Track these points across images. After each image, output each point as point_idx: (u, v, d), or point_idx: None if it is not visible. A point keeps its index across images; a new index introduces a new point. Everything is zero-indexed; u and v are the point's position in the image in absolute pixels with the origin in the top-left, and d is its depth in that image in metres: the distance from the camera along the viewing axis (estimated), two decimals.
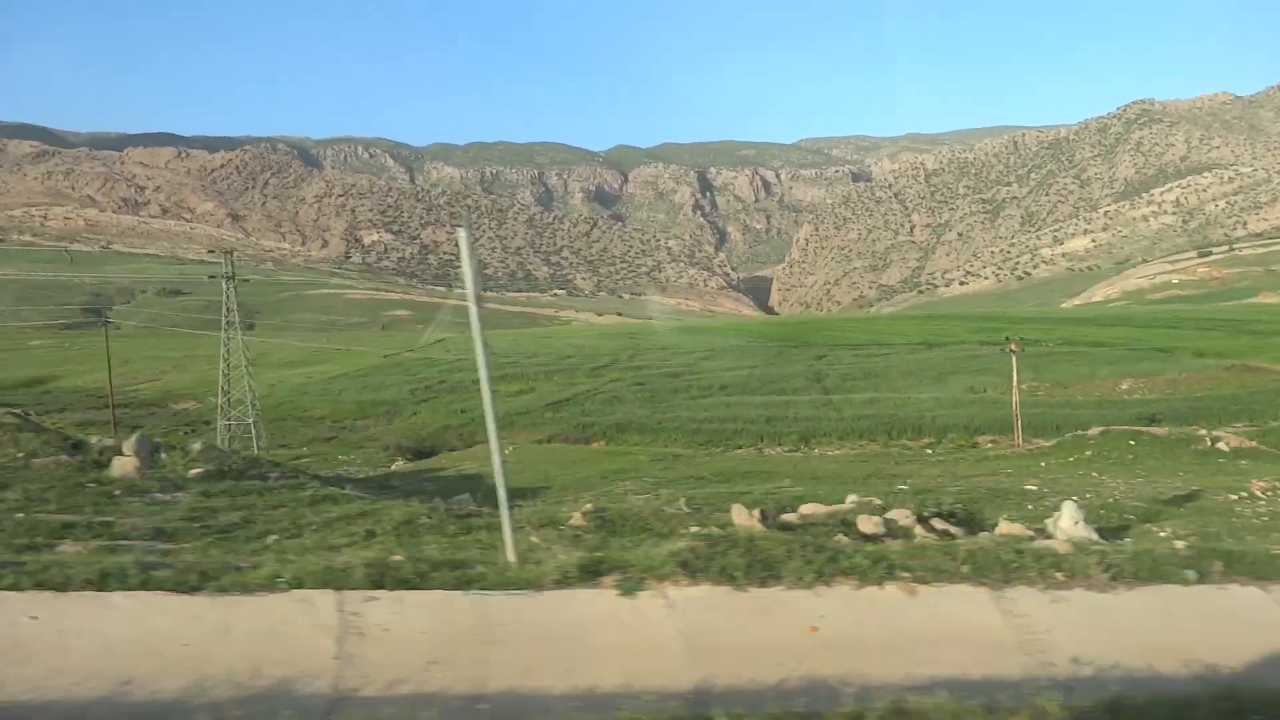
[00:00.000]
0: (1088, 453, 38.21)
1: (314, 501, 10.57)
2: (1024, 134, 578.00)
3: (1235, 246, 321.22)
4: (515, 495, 10.60)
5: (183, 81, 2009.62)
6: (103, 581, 5.73)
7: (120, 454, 11.98)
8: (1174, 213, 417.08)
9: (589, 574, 6.18)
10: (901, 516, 13.62)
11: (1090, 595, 6.52)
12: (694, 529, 9.63)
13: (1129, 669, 5.56)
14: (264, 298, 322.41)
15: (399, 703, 4.93)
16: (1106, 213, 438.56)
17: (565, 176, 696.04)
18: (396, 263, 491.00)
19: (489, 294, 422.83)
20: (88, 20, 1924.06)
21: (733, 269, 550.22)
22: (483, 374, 6.91)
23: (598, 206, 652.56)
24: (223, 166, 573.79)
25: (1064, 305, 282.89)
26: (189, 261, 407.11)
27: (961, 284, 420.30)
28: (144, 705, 4.86)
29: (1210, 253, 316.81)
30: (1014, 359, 48.81)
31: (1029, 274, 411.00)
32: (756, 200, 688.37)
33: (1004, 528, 12.10)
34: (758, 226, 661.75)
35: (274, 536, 8.73)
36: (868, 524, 12.39)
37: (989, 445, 46.20)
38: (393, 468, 48.47)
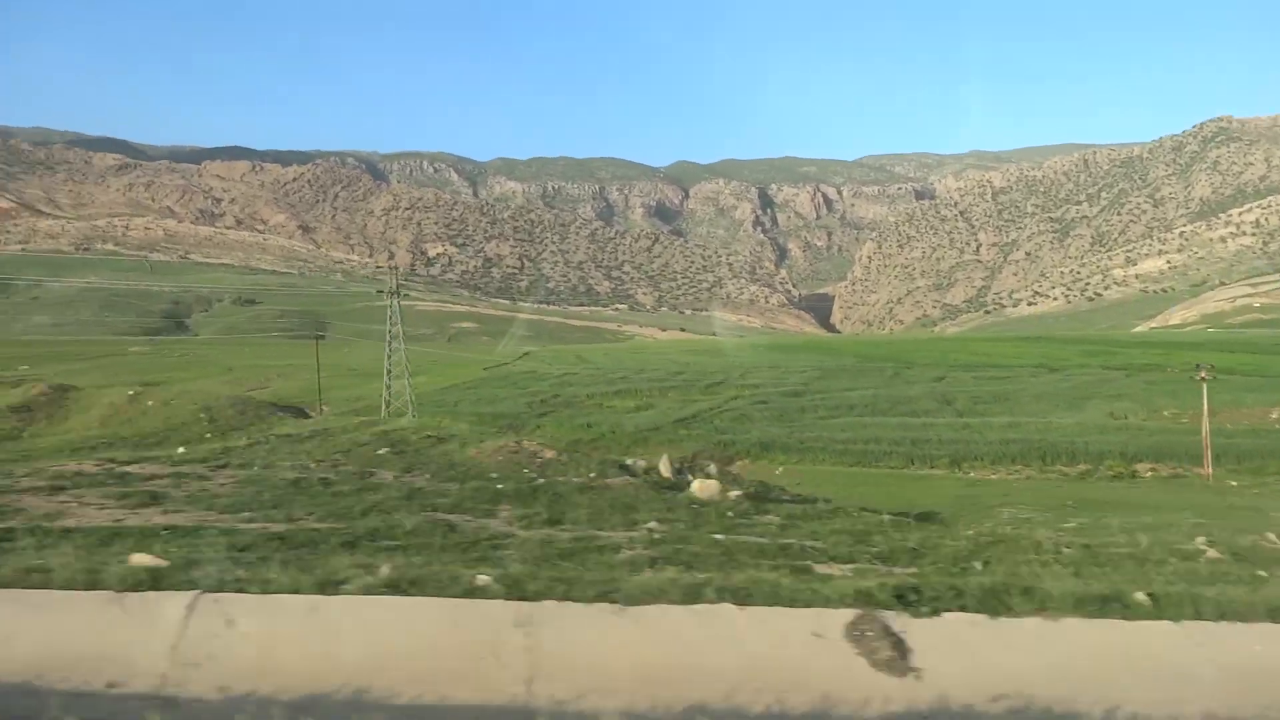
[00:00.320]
0: None
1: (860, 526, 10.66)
2: (1095, 151, 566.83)
3: None
4: (921, 518, 10.78)
5: (256, 97, 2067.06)
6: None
7: (703, 475, 12.58)
8: (1253, 234, 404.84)
9: None
10: None
11: None
12: None
13: None
14: (335, 308, 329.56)
15: None
16: (1182, 233, 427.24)
17: (626, 192, 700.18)
18: (460, 275, 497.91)
19: (553, 308, 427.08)
20: (169, 40, 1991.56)
21: (793, 286, 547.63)
22: None
23: (658, 222, 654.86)
24: (295, 180, 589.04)
25: (1138, 328, 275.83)
26: (261, 271, 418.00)
27: (1030, 304, 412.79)
28: None
29: None
30: (1205, 387, 47.95)
31: (1100, 295, 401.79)
32: (818, 217, 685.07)
33: None
34: (819, 243, 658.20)
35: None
36: None
37: (1148, 473, 45.40)
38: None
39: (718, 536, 10.79)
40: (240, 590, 5.90)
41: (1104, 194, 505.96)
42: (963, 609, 5.66)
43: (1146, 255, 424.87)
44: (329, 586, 5.88)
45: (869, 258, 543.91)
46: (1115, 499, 37.18)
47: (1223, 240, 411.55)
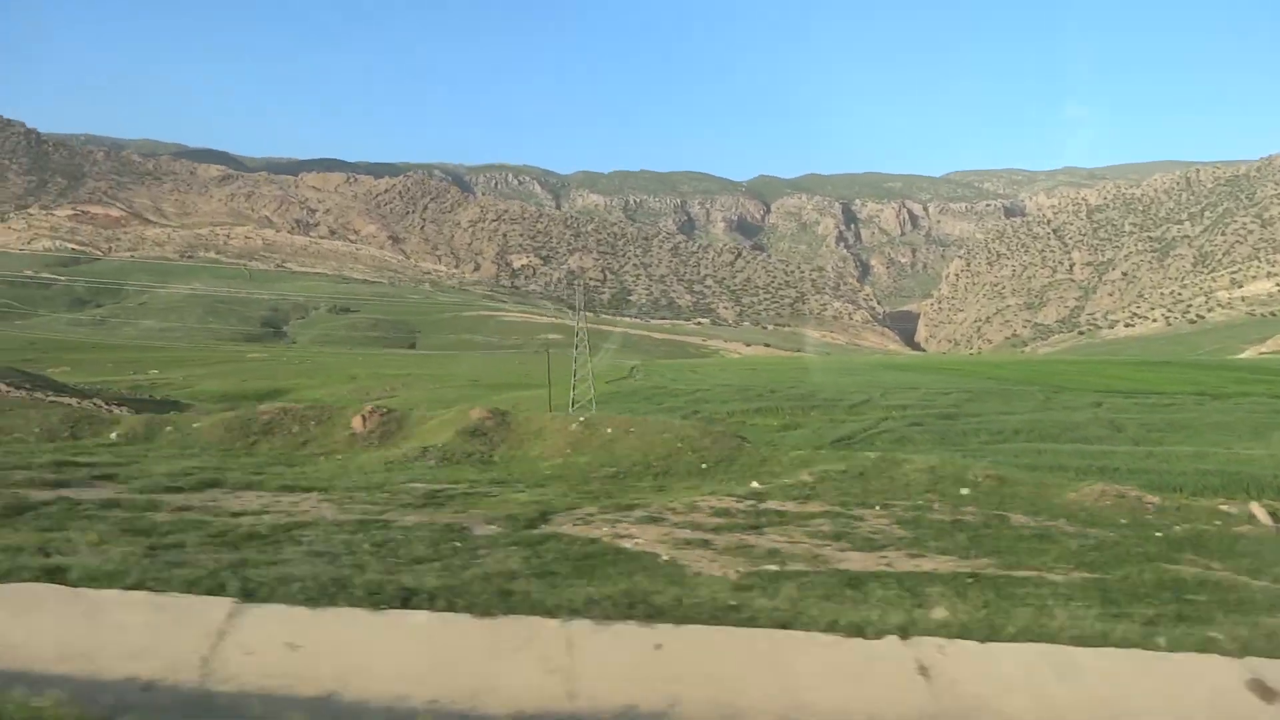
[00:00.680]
0: None
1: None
2: (1198, 170, 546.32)
3: None
4: None
5: (350, 111, 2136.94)
6: None
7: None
8: None
9: None
10: None
11: None
12: None
13: None
14: (424, 317, 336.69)
15: None
16: None
17: (708, 206, 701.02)
18: (544, 287, 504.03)
19: (635, 320, 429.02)
20: (271, 53, 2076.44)
21: (878, 303, 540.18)
22: None
23: (739, 236, 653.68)
24: (386, 191, 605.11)
25: (1246, 352, 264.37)
26: (354, 280, 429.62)
27: (1127, 325, 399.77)
28: None
29: None
30: None
31: (1202, 317, 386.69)
32: (902, 233, 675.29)
33: None
34: (903, 260, 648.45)
35: None
36: None
37: None
38: None
39: None
40: None
41: (1207, 213, 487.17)
42: None
43: (1254, 277, 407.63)
44: None
45: (956, 275, 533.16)
46: None
47: None
